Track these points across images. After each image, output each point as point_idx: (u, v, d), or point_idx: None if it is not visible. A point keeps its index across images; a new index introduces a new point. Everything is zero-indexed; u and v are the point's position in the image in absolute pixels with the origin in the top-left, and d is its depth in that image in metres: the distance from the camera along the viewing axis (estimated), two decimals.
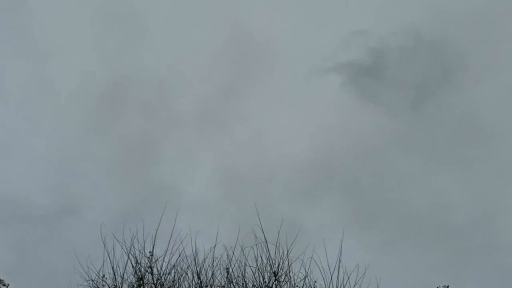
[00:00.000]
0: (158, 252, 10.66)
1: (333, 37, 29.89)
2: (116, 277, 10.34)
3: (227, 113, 30.98)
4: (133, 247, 10.54)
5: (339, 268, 10.05)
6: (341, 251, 10.22)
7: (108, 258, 10.36)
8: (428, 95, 28.91)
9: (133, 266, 10.41)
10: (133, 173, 28.51)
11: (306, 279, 10.28)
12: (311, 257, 10.23)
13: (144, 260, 10.47)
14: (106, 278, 10.33)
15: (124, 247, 10.49)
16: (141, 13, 29.54)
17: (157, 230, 10.60)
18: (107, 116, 29.63)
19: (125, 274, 10.36)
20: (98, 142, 28.41)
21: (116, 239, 10.47)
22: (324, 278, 10.06)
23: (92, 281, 10.30)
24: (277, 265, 10.32)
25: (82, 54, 29.50)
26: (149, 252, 10.49)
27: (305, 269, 10.29)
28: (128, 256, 10.47)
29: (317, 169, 26.69)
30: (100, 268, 10.26)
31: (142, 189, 26.64)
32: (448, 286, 10.81)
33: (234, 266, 10.56)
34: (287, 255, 10.32)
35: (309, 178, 26.09)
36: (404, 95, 28.81)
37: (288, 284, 10.35)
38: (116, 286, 10.32)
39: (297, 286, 10.33)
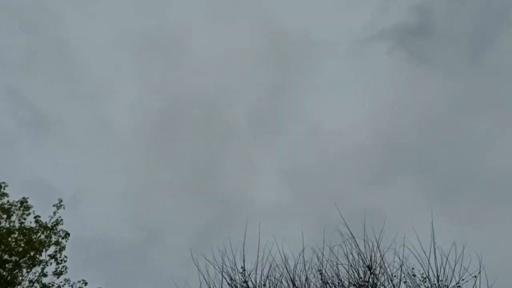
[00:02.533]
0: (248, 265, 10.82)
1: (369, 4, 28.78)
2: None
3: (280, 114, 31.01)
4: (225, 264, 10.77)
5: (434, 251, 9.69)
6: (433, 233, 9.87)
7: (203, 280, 10.65)
8: (485, 43, 27.03)
9: (228, 284, 10.62)
10: (202, 190, 29.28)
11: (402, 267, 9.99)
12: (403, 244, 9.93)
13: (238, 276, 10.65)
14: None
15: (216, 267, 10.74)
16: (177, 36, 30.34)
17: (244, 244, 10.76)
18: (167, 141, 30.67)
19: None
20: (164, 168, 29.47)
21: (208, 260, 10.74)
22: (422, 263, 9.73)
23: None
24: (369, 258, 10.11)
25: (132, 87, 30.74)
26: (241, 267, 10.66)
27: (399, 258, 10.00)
28: (222, 275, 10.70)
29: (383, 151, 26.00)
30: None
31: (214, 205, 27.32)
32: None
33: (326, 266, 10.47)
34: (378, 246, 10.08)
35: (377, 163, 25.47)
36: (460, 49, 27.13)
37: (385, 275, 10.11)
38: None
39: (394, 276, 10.06)
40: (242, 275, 10.69)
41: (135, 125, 30.34)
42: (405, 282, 9.97)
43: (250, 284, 10.66)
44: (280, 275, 10.55)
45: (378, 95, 28.73)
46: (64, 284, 13.25)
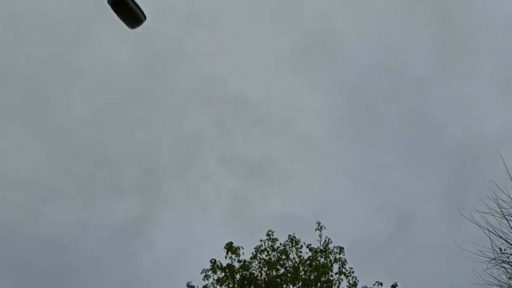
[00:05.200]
0: None
1: None
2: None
3: (462, 35, 27.95)
4: (503, 208, 10.18)
5: None
6: None
7: (491, 233, 10.26)
8: None
9: None
10: (425, 151, 28.17)
11: None
12: None
13: None
14: (504, 250, 10.12)
15: (496, 215, 10.23)
16: (320, 30, 30.18)
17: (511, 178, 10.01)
18: (367, 126, 30.56)
19: None
20: (377, 149, 29.40)
21: (482, 212, 10.32)
22: None
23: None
24: None
25: (309, 97, 31.46)
26: None
27: None
28: (506, 218, 10.15)
29: None
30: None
31: (444, 159, 26.02)
32: None
33: None
34: None
35: None
36: None
37: None
38: None
39: None
40: None
41: (329, 128, 31.08)
42: None
43: None
44: None
45: None
46: None
